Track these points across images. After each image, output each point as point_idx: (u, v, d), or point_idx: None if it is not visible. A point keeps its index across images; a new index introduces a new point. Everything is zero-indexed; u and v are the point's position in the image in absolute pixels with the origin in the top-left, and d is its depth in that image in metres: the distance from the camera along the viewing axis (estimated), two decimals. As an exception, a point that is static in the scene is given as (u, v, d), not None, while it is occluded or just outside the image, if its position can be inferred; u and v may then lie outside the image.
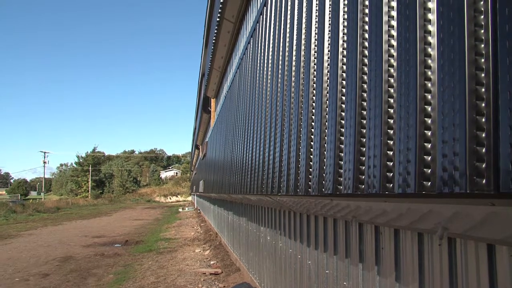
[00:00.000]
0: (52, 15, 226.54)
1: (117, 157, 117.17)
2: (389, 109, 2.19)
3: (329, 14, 3.27)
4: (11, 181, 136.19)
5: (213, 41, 11.93)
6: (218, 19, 10.21)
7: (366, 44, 2.55)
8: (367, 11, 2.58)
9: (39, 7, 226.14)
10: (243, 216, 10.35)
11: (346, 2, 2.94)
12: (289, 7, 4.61)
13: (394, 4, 2.27)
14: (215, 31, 11.11)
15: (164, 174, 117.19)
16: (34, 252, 15.40)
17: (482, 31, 1.62)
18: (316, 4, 3.63)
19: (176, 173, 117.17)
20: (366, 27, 2.58)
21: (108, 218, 35.26)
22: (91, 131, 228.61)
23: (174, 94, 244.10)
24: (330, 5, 3.28)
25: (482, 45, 1.61)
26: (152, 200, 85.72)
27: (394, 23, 2.26)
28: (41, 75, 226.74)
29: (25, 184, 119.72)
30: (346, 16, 2.91)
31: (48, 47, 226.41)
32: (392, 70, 2.22)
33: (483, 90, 1.58)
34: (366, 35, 2.56)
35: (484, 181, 1.55)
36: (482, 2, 1.62)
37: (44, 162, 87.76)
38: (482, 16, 1.61)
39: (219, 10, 9.85)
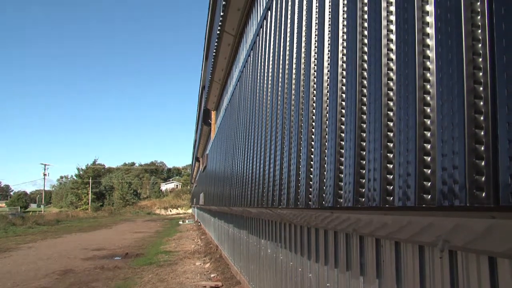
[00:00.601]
0: (53, 27, 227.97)
1: (118, 169, 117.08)
2: (388, 122, 2.20)
3: (329, 25, 3.29)
4: (11, 193, 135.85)
5: (214, 53, 11.99)
6: (218, 32, 10.27)
7: (366, 57, 2.57)
8: (366, 24, 2.60)
9: (40, 19, 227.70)
10: (244, 228, 10.32)
11: (345, 8, 2.96)
12: (289, 20, 4.64)
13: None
14: (216, 43, 11.17)
15: (164, 187, 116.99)
16: (33, 265, 15.33)
17: (480, 45, 1.63)
18: (316, 17, 3.66)
19: (177, 185, 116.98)
20: (366, 40, 2.60)
21: (108, 231, 35.15)
22: (91, 143, 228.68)
23: (174, 107, 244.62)
24: (329, 12, 3.30)
25: (480, 59, 1.62)
26: (152, 212, 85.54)
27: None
28: (41, 88, 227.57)
29: (25, 197, 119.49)
30: (345, 30, 2.93)
31: (48, 59, 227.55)
32: (391, 84, 2.23)
33: (481, 103, 1.60)
34: (365, 49, 2.58)
35: (483, 194, 1.56)
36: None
37: (44, 175, 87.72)
38: (479, 31, 1.63)
39: (219, 23, 9.91)
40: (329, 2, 3.35)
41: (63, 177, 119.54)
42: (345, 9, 2.97)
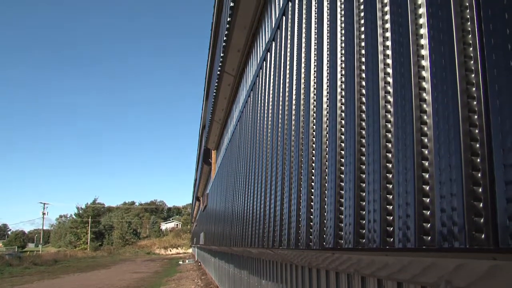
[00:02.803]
0: (52, 68, 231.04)
1: (117, 208, 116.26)
2: (387, 164, 2.23)
3: (327, 67, 3.36)
4: (9, 233, 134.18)
5: (214, 93, 12.13)
6: (218, 72, 10.42)
7: (364, 99, 2.62)
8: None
9: (38, 61, 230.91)
10: (244, 269, 10.19)
11: (343, 51, 3.03)
12: (288, 62, 4.73)
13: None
14: (216, 83, 11.31)
15: (164, 226, 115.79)
16: (30, 307, 15.03)
17: (474, 88, 1.68)
18: (314, 60, 3.73)
19: (177, 224, 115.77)
20: (364, 83, 2.65)
21: (106, 271, 34.64)
22: (91, 182, 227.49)
23: (175, 145, 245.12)
24: (327, 55, 3.38)
25: (475, 102, 1.66)
26: (152, 252, 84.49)
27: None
28: (42, 126, 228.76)
29: (23, 236, 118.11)
30: (343, 72, 2.99)
31: (48, 99, 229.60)
32: (389, 126, 2.27)
33: (477, 145, 1.63)
34: (363, 92, 2.63)
35: (483, 236, 1.57)
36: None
37: (43, 214, 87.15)
38: (473, 75, 1.68)
39: (220, 64, 10.07)
40: (327, 45, 3.43)
41: (62, 216, 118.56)
42: (343, 52, 3.04)
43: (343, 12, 3.11)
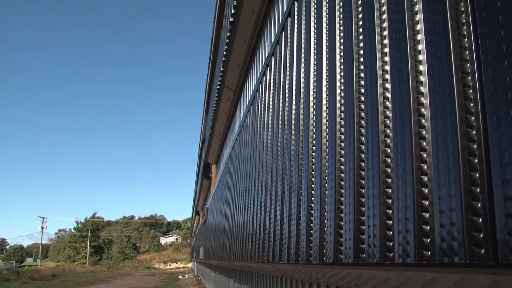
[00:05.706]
0: (52, 82, 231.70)
1: (117, 222, 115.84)
2: (386, 179, 2.23)
3: (326, 83, 3.38)
4: (7, 247, 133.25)
5: (214, 108, 12.15)
6: (218, 87, 10.45)
7: (363, 114, 2.63)
8: (362, 83, 2.68)
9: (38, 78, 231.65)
10: (244, 283, 10.12)
11: (342, 69, 3.05)
12: (287, 77, 4.76)
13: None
14: (216, 98, 11.34)
15: (164, 240, 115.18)
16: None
17: (472, 104, 1.69)
18: (314, 74, 3.76)
19: (176, 239, 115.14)
20: (363, 98, 2.67)
21: (106, 286, 34.38)
22: (91, 196, 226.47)
23: (174, 160, 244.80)
24: (327, 70, 3.40)
25: (473, 118, 1.68)
26: (151, 266, 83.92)
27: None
28: (39, 139, 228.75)
29: (21, 251, 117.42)
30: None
31: (48, 112, 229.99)
32: (388, 141, 2.28)
33: (476, 161, 1.64)
34: (363, 106, 2.65)
35: (483, 251, 1.57)
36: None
37: (42, 228, 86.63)
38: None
39: (219, 78, 10.10)
40: (326, 60, 3.45)
41: (61, 231, 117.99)
42: (342, 67, 3.07)
43: (341, 28, 3.14)
